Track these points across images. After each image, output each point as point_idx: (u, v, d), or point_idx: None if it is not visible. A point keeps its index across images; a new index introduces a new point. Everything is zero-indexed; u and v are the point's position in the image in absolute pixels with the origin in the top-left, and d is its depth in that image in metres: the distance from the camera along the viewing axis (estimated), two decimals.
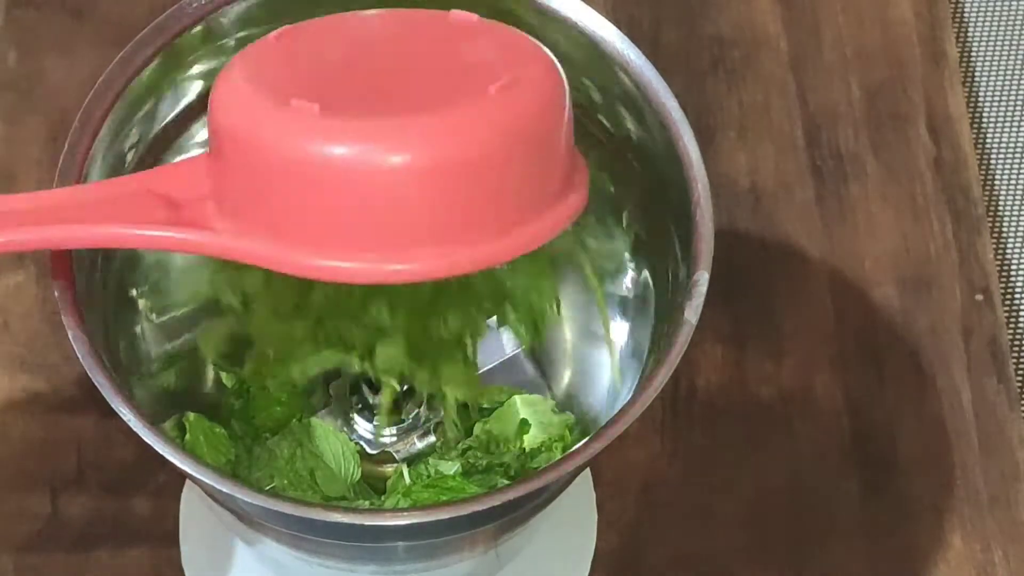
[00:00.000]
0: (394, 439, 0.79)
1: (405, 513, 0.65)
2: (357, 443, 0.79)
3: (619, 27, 0.72)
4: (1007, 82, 1.07)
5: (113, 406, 0.64)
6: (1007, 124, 1.05)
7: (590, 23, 0.72)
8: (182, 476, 0.84)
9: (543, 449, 0.77)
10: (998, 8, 1.08)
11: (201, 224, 0.62)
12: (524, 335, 0.72)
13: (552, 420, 0.78)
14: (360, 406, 0.79)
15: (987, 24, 1.08)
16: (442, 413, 0.78)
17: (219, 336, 0.78)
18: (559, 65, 0.62)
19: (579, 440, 0.76)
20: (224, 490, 0.64)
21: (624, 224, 0.76)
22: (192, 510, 0.85)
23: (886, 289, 0.93)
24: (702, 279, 0.67)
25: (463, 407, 0.77)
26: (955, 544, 0.87)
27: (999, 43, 1.08)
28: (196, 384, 0.80)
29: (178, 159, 0.75)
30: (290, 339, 0.73)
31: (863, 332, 0.92)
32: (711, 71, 0.98)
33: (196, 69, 0.74)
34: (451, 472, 0.76)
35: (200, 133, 0.75)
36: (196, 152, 0.76)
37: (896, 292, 0.93)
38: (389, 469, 0.79)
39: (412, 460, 0.78)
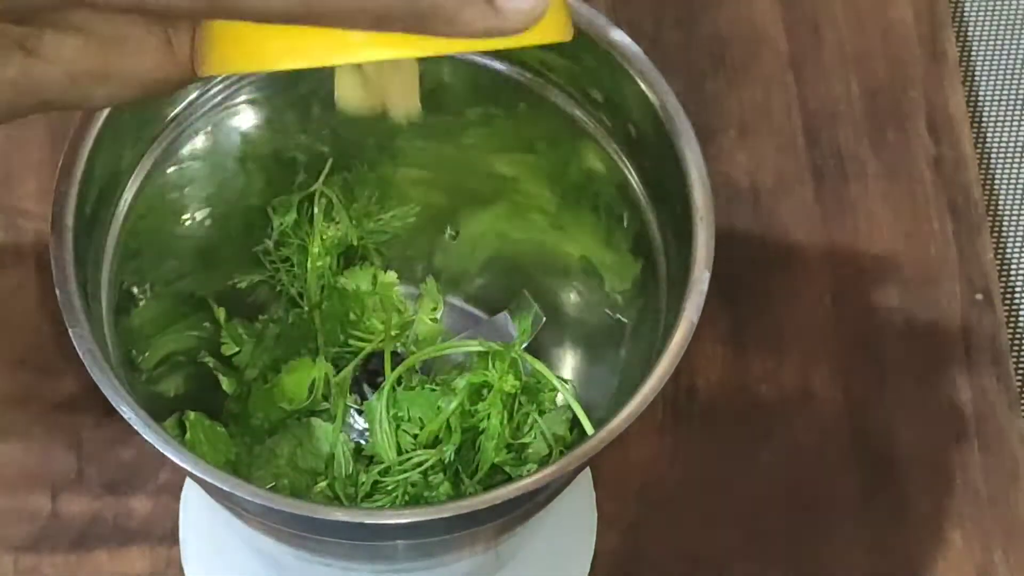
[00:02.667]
0: None
1: (405, 512, 0.65)
2: (357, 443, 0.79)
3: (619, 26, 0.72)
4: (1007, 82, 1.07)
5: (114, 404, 0.64)
6: (1007, 124, 1.05)
7: (591, 22, 0.72)
8: (182, 475, 0.84)
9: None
10: (998, 8, 1.08)
11: None
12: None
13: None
14: (359, 405, 0.79)
15: (987, 24, 1.08)
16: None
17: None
18: None
19: (579, 440, 0.76)
20: (224, 489, 0.64)
21: (624, 223, 0.76)
22: (192, 509, 0.85)
23: (886, 288, 0.93)
24: (702, 278, 0.67)
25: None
26: (955, 543, 0.87)
27: (999, 43, 1.08)
28: (196, 386, 0.80)
29: (179, 157, 0.75)
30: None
31: (863, 331, 0.92)
32: (711, 71, 0.98)
33: None
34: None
35: (202, 131, 0.75)
36: (196, 153, 0.76)
37: (896, 291, 0.93)
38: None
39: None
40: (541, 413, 0.75)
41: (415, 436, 0.76)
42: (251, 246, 0.80)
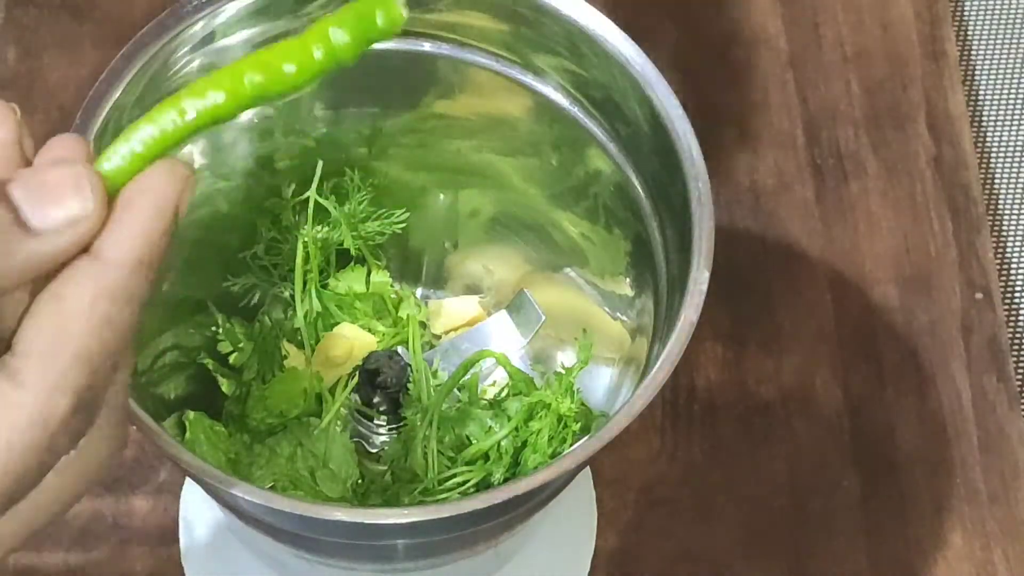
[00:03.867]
0: (395, 437, 0.79)
1: (405, 511, 0.65)
2: (357, 442, 0.79)
3: (619, 25, 0.72)
4: (1007, 81, 1.07)
5: None
6: (1007, 123, 1.05)
7: (590, 21, 0.72)
8: (182, 474, 0.84)
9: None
10: (998, 7, 1.08)
11: None
12: None
13: None
14: (360, 405, 0.79)
15: (987, 23, 1.08)
16: None
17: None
18: None
19: (580, 437, 0.76)
20: (224, 488, 0.64)
21: (624, 223, 0.76)
22: (192, 508, 0.85)
23: (886, 288, 0.93)
24: (702, 277, 0.67)
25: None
26: (955, 543, 0.87)
27: (999, 42, 1.08)
28: (196, 386, 0.80)
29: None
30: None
31: (863, 331, 0.92)
32: (711, 69, 0.98)
33: (196, 67, 0.73)
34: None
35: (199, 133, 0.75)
36: (194, 153, 0.76)
37: (896, 291, 0.93)
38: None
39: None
40: (584, 431, 0.75)
41: (455, 452, 0.76)
42: (246, 249, 0.80)
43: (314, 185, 0.78)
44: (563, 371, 0.76)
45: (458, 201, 0.82)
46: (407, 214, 0.81)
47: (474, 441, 0.76)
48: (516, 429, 0.76)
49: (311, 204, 0.79)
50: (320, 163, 0.79)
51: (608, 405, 0.77)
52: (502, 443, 0.75)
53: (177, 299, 0.79)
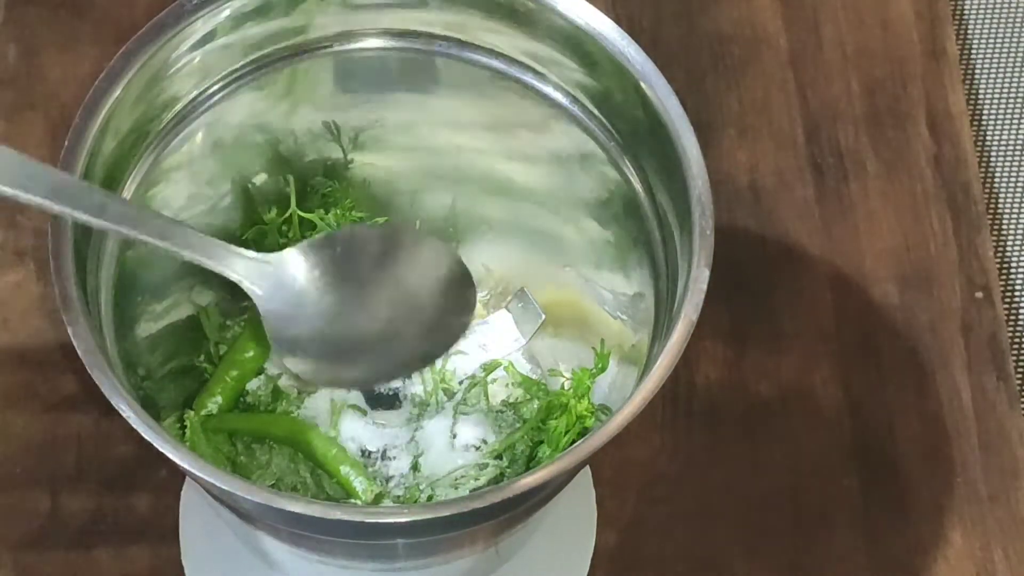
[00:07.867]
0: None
1: (405, 510, 0.65)
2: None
3: (619, 24, 0.72)
4: (1007, 80, 1.07)
5: (113, 403, 0.64)
6: (1007, 121, 1.06)
7: (590, 20, 0.72)
8: (182, 474, 0.84)
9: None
10: (998, 7, 1.09)
11: None
12: None
13: None
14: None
15: (987, 22, 1.08)
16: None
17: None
18: None
19: (580, 438, 0.76)
20: (224, 488, 0.64)
21: (624, 222, 0.76)
22: (192, 508, 0.85)
23: (886, 286, 0.93)
24: (702, 276, 0.67)
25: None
26: (955, 542, 0.87)
27: (999, 41, 1.08)
28: (197, 386, 0.80)
29: (177, 157, 0.75)
30: None
31: (863, 329, 0.92)
32: (711, 68, 0.98)
33: (196, 66, 0.74)
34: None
35: (200, 131, 0.75)
36: (195, 150, 0.76)
37: (896, 289, 0.93)
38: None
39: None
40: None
41: (468, 452, 0.76)
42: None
43: (292, 199, 0.79)
44: (580, 372, 0.76)
45: (457, 201, 0.82)
46: (387, 220, 0.81)
47: (488, 442, 0.76)
48: (532, 429, 0.76)
49: (295, 217, 0.79)
50: (291, 178, 0.79)
51: (608, 404, 0.77)
52: (517, 445, 0.76)
53: (181, 297, 0.79)
